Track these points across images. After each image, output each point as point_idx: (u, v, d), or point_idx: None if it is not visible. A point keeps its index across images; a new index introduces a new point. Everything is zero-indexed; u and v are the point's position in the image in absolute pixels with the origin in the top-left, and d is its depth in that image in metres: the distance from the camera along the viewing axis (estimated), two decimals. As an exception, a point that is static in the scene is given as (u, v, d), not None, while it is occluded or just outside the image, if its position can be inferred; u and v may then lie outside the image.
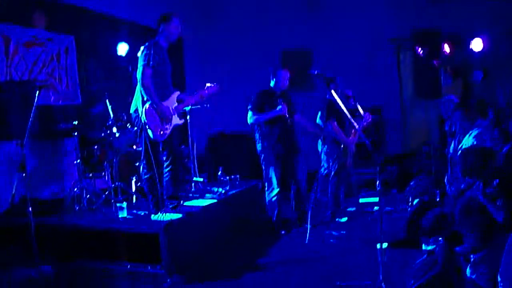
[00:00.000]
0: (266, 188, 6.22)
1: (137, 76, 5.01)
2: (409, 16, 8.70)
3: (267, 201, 6.21)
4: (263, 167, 6.18)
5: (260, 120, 6.07)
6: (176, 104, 5.26)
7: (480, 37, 8.14)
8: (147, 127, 4.95)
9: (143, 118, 4.94)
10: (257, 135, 6.18)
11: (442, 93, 8.06)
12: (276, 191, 6.08)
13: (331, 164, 6.44)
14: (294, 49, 9.61)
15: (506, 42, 8.34)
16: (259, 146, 6.16)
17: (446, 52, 8.05)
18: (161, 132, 5.03)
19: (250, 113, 6.09)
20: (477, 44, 8.18)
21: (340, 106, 4.47)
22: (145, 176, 5.22)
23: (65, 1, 6.88)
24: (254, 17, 9.75)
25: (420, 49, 7.66)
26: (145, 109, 4.94)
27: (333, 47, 9.22)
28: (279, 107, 5.92)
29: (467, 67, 8.81)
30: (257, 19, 9.73)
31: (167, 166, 5.31)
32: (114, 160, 6.11)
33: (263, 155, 6.13)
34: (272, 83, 6.17)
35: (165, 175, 5.32)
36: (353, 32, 9.11)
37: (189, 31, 6.76)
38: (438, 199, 5.92)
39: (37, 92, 4.61)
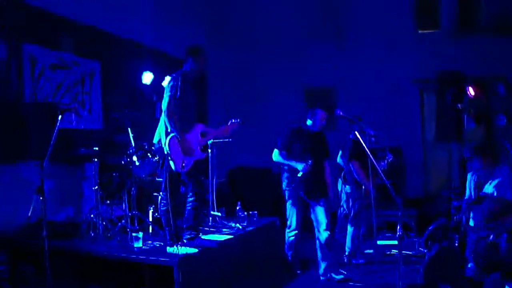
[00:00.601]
0: (287, 226, 6.11)
1: (162, 106, 4.99)
2: (434, 57, 8.67)
3: (286, 239, 6.10)
4: (286, 205, 6.06)
5: (282, 162, 5.95)
6: (199, 137, 5.24)
7: (505, 81, 8.07)
8: (169, 158, 4.91)
9: (166, 149, 4.90)
10: (283, 173, 6.06)
11: (464, 136, 7.98)
12: (294, 232, 5.96)
13: (351, 204, 6.34)
14: (317, 86, 9.65)
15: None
16: (284, 184, 6.01)
17: (470, 95, 7.96)
18: (183, 164, 4.97)
19: (276, 151, 5.94)
20: (501, 88, 8.11)
21: (364, 147, 4.41)
22: (164, 208, 5.16)
23: (93, 25, 6.95)
24: (279, 53, 9.83)
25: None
26: (169, 140, 4.90)
27: (356, 86, 9.23)
28: (302, 166, 5.70)
29: (491, 111, 8.72)
30: (282, 56, 9.81)
31: (191, 197, 5.24)
32: (133, 188, 6.06)
33: (287, 193, 5.99)
34: (309, 123, 5.91)
35: (187, 206, 5.26)
36: (377, 71, 9.12)
37: (214, 64, 6.78)
38: (456, 245, 5.83)
39: (60, 115, 4.61)
